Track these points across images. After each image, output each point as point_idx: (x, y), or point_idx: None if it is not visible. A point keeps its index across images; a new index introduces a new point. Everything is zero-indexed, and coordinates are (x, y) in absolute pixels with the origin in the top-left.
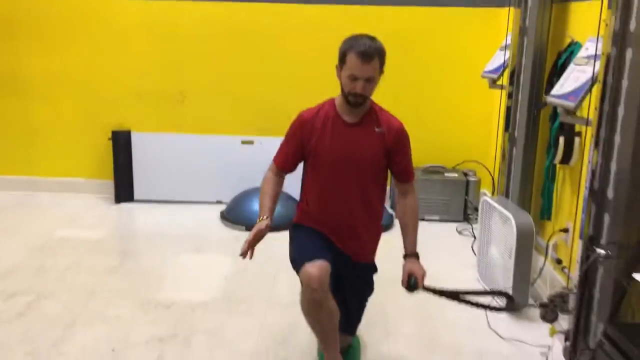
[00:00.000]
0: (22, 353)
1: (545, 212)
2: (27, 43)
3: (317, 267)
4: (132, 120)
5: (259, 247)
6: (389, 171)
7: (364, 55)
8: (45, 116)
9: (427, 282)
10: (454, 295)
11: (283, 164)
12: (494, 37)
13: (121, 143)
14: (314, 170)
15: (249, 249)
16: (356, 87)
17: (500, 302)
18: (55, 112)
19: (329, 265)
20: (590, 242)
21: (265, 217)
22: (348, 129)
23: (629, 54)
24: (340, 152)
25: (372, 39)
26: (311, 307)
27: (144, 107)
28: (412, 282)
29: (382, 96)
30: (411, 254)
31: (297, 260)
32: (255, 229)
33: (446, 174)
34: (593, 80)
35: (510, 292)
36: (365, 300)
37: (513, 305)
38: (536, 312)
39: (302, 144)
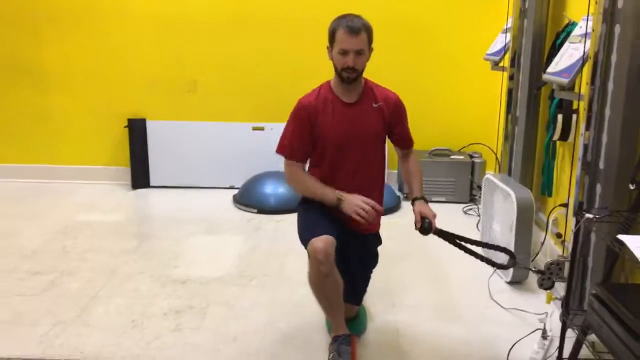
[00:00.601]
0: (48, 324)
1: (546, 188)
2: (45, 34)
3: (323, 241)
4: (147, 108)
5: (268, 228)
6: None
7: (352, 29)
8: (63, 106)
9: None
10: (462, 245)
11: (303, 156)
12: (496, 21)
13: (137, 131)
14: (319, 151)
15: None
16: (348, 61)
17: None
18: (73, 101)
19: (334, 240)
20: (580, 207)
21: (336, 193)
22: (348, 108)
23: (617, 30)
24: (343, 132)
25: (358, 16)
26: (318, 279)
27: (158, 95)
28: (426, 225)
29: (389, 82)
30: (420, 197)
31: (305, 235)
32: (361, 205)
33: (452, 157)
34: (585, 57)
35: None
36: (370, 271)
37: (515, 263)
38: (536, 285)
39: (311, 130)
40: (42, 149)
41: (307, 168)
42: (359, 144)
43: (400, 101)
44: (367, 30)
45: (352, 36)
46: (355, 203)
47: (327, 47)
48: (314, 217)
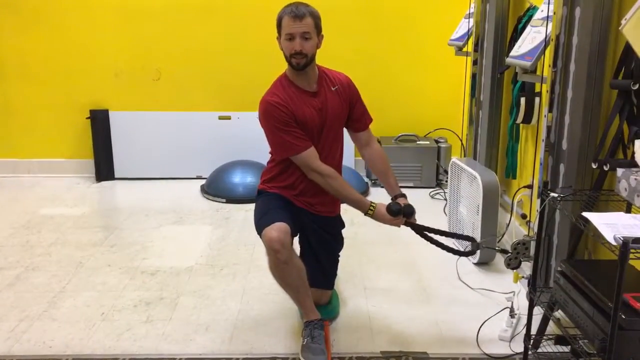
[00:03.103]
0: (15, 320)
1: (510, 171)
2: (2, 23)
3: (276, 230)
4: (110, 99)
5: (237, 217)
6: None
7: (296, 14)
8: (22, 97)
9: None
10: (428, 236)
11: (309, 143)
12: (459, 6)
13: (100, 122)
14: None
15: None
16: (294, 46)
17: (465, 246)
18: (33, 93)
19: (288, 226)
20: (545, 186)
21: (372, 206)
22: (314, 98)
23: (577, 12)
24: (318, 123)
25: (303, 3)
26: (278, 267)
27: (121, 85)
28: (408, 210)
29: (354, 69)
30: (400, 194)
31: (259, 226)
32: (388, 222)
33: (418, 142)
34: (547, 39)
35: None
36: (337, 254)
37: (478, 246)
38: (503, 265)
39: (295, 122)
40: (2, 142)
41: (269, 160)
42: (330, 131)
43: (351, 80)
44: (313, 15)
45: (296, 21)
46: (397, 222)
47: (277, 38)
48: (267, 206)
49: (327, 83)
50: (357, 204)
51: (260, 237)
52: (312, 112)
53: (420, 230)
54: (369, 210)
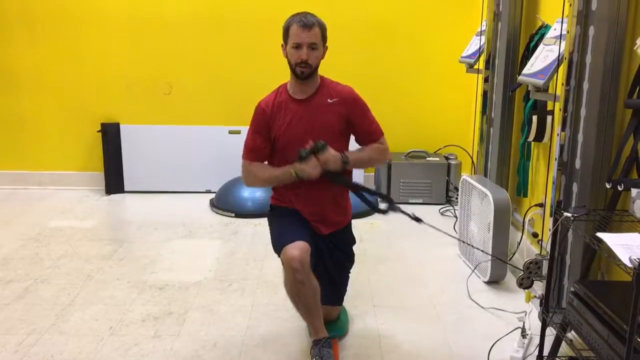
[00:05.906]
0: (23, 333)
1: (521, 189)
2: (14, 36)
3: (297, 248)
4: (121, 112)
5: (246, 232)
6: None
7: (305, 24)
8: (34, 110)
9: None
10: (351, 186)
11: (256, 157)
12: (470, 24)
13: (110, 135)
14: (279, 153)
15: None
16: (301, 55)
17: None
18: (44, 106)
19: (308, 245)
20: (558, 206)
21: (291, 168)
22: (299, 105)
23: (591, 31)
24: (299, 129)
25: (311, 13)
26: (294, 287)
27: (132, 99)
28: (319, 145)
29: (365, 85)
30: (347, 152)
31: (278, 244)
32: (308, 172)
33: (428, 159)
34: (560, 58)
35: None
36: (347, 271)
37: (393, 207)
38: (515, 284)
39: (267, 132)
40: (14, 154)
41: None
42: (314, 140)
43: (354, 93)
44: (321, 26)
45: (305, 30)
46: (312, 166)
47: (282, 45)
48: (284, 221)
49: (324, 94)
50: (283, 176)
51: (279, 254)
52: (292, 122)
53: (339, 180)
54: (293, 173)
